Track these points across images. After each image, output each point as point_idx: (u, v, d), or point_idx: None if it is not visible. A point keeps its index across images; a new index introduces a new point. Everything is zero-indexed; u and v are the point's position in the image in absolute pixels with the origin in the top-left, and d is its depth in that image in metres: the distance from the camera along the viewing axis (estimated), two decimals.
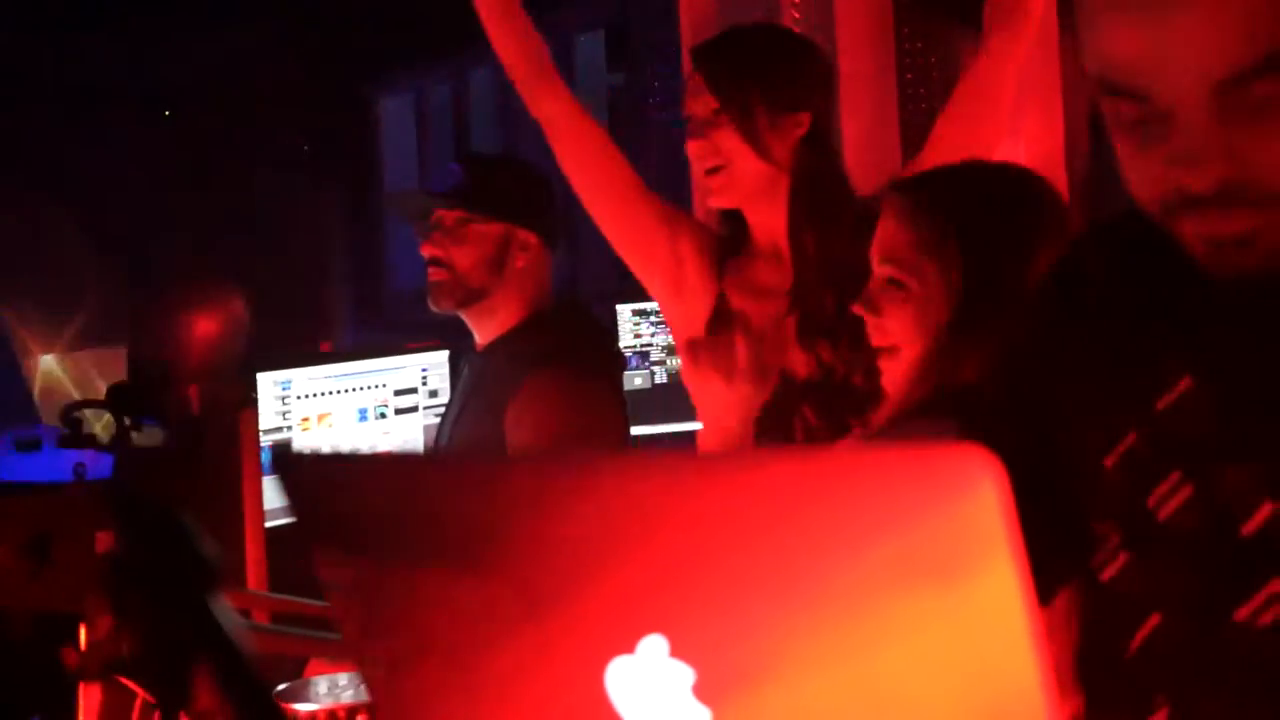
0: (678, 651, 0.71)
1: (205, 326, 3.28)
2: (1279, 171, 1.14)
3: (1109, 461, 1.32)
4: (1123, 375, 1.34)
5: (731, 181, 2.57)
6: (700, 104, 2.56)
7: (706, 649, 0.70)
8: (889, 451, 0.62)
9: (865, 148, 3.72)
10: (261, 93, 9.57)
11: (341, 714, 2.20)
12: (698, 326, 2.59)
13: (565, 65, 6.70)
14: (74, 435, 2.71)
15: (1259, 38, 1.10)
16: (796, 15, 4.53)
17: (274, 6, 7.93)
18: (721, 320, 2.57)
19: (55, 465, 2.56)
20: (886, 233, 2.00)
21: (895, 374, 2.01)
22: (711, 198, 2.59)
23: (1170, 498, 1.28)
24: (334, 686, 2.37)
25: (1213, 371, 1.28)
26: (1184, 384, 1.28)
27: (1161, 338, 1.32)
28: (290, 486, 0.80)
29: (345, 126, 8.68)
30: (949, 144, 2.59)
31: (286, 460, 0.78)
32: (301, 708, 2.16)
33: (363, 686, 2.29)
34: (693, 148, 2.57)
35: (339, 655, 2.30)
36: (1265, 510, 1.22)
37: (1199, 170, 1.15)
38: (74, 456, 2.56)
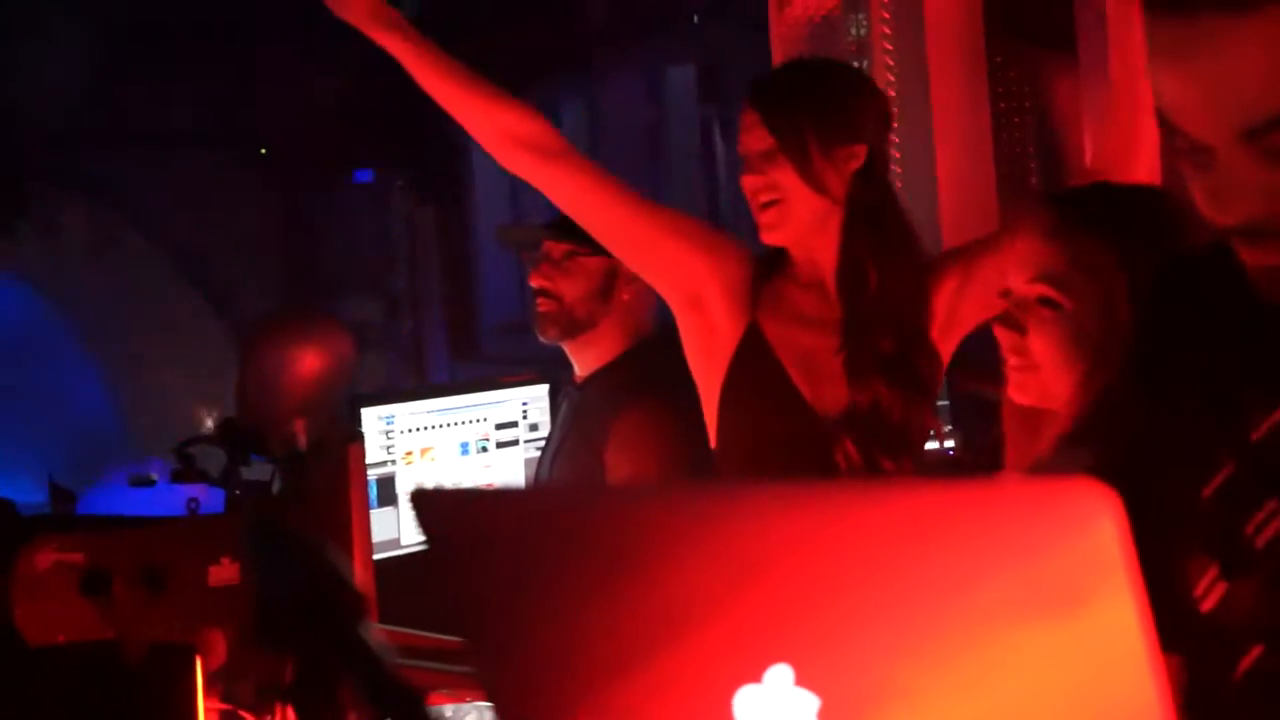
0: (803, 680, 0.73)
1: (311, 362, 3.33)
2: None
3: (1206, 492, 1.33)
4: (1217, 407, 1.35)
5: (786, 216, 2.54)
6: (755, 139, 2.54)
7: (832, 678, 0.73)
8: (1011, 485, 0.65)
9: (959, 177, 3.71)
10: (354, 130, 9.68)
11: None
12: (725, 349, 2.55)
13: (656, 97, 6.75)
14: (186, 470, 2.78)
15: (1276, 92, 1.17)
16: (888, 46, 4.55)
17: (366, 47, 8.05)
18: (754, 348, 2.54)
19: (168, 500, 2.62)
20: (1036, 250, 1.92)
21: (1034, 394, 1.94)
22: (767, 233, 2.55)
23: (1267, 525, 1.29)
24: (458, 712, 2.40)
25: None
26: (1278, 414, 1.30)
27: (1254, 369, 1.34)
28: (425, 521, 0.83)
29: (437, 162, 8.77)
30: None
31: (422, 496, 0.81)
32: None
33: (480, 717, 2.32)
34: (748, 183, 2.54)
35: (454, 686, 2.33)
36: None
37: (1227, 206, 1.22)
38: (186, 491, 2.62)
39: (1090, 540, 0.64)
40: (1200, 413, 1.37)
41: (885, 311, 2.53)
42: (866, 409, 2.50)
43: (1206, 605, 1.33)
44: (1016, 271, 1.94)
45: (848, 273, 2.55)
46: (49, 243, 10.01)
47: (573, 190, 2.58)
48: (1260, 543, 1.29)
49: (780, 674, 0.74)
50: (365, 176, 10.53)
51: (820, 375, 2.52)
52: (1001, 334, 1.95)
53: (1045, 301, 1.90)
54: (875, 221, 2.57)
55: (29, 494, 3.64)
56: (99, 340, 9.99)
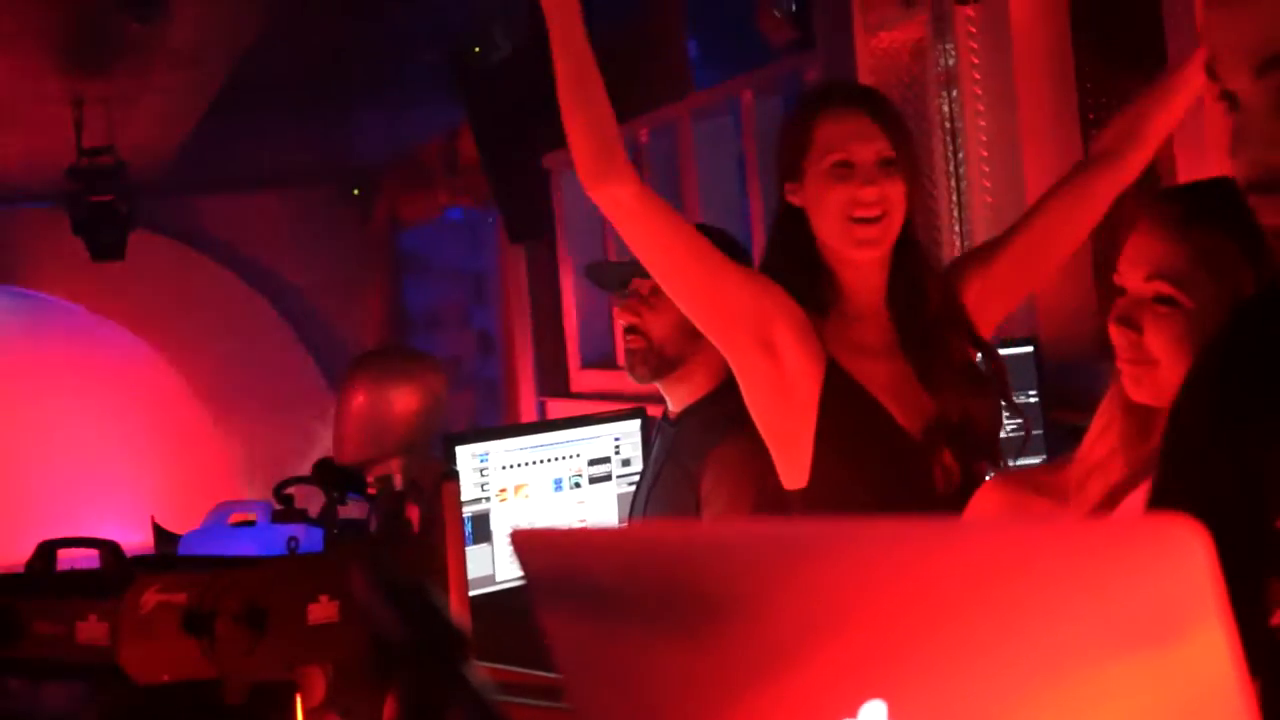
0: (897, 716, 0.74)
1: (407, 402, 3.38)
2: None
3: (1278, 523, 1.33)
4: None
5: (888, 232, 2.53)
6: (872, 149, 2.51)
7: (926, 713, 0.73)
8: (1101, 523, 0.65)
9: None
10: (445, 168, 9.79)
11: None
12: (803, 390, 2.52)
13: (746, 129, 6.76)
14: (286, 510, 2.82)
15: None
16: (977, 76, 4.53)
17: (452, 86, 8.13)
18: (841, 383, 2.51)
19: (268, 540, 2.66)
20: (1152, 247, 1.89)
21: (1150, 391, 1.90)
22: (870, 247, 2.52)
23: None
24: None
25: None
26: None
27: None
28: (524, 560, 0.85)
29: (527, 199, 8.84)
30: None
31: (520, 536, 0.83)
32: None
33: None
34: (865, 194, 2.49)
35: None
36: None
37: (1241, 151, 1.27)
38: (286, 530, 2.66)
39: (1182, 577, 0.64)
40: (1271, 441, 1.36)
41: (947, 323, 2.55)
42: (957, 421, 2.51)
43: None
44: (1130, 269, 1.91)
45: (908, 293, 2.56)
46: (147, 287, 10.19)
47: (646, 238, 2.52)
48: None
49: (875, 710, 0.74)
50: (456, 214, 10.64)
51: (903, 400, 2.53)
52: (1116, 332, 1.92)
53: (1163, 299, 1.87)
54: (915, 238, 2.59)
55: (132, 534, 3.71)
56: (198, 381, 10.14)
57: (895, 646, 0.72)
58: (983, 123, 4.54)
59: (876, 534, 0.74)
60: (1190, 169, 3.64)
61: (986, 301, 2.63)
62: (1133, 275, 1.91)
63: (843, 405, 2.51)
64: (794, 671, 0.76)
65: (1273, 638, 1.34)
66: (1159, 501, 1.52)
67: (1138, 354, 1.90)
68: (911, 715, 0.74)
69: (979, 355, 2.62)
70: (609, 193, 2.46)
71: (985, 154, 4.36)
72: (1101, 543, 0.66)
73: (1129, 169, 2.67)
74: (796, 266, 2.57)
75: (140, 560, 2.27)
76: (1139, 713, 0.67)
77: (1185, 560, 0.64)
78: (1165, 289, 1.87)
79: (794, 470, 2.54)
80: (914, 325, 2.56)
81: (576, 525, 3.66)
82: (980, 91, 4.56)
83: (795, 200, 2.58)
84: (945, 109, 4.64)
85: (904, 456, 2.50)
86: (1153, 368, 1.89)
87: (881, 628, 0.73)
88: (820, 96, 2.63)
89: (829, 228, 2.53)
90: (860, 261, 2.55)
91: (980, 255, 2.69)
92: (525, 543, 0.82)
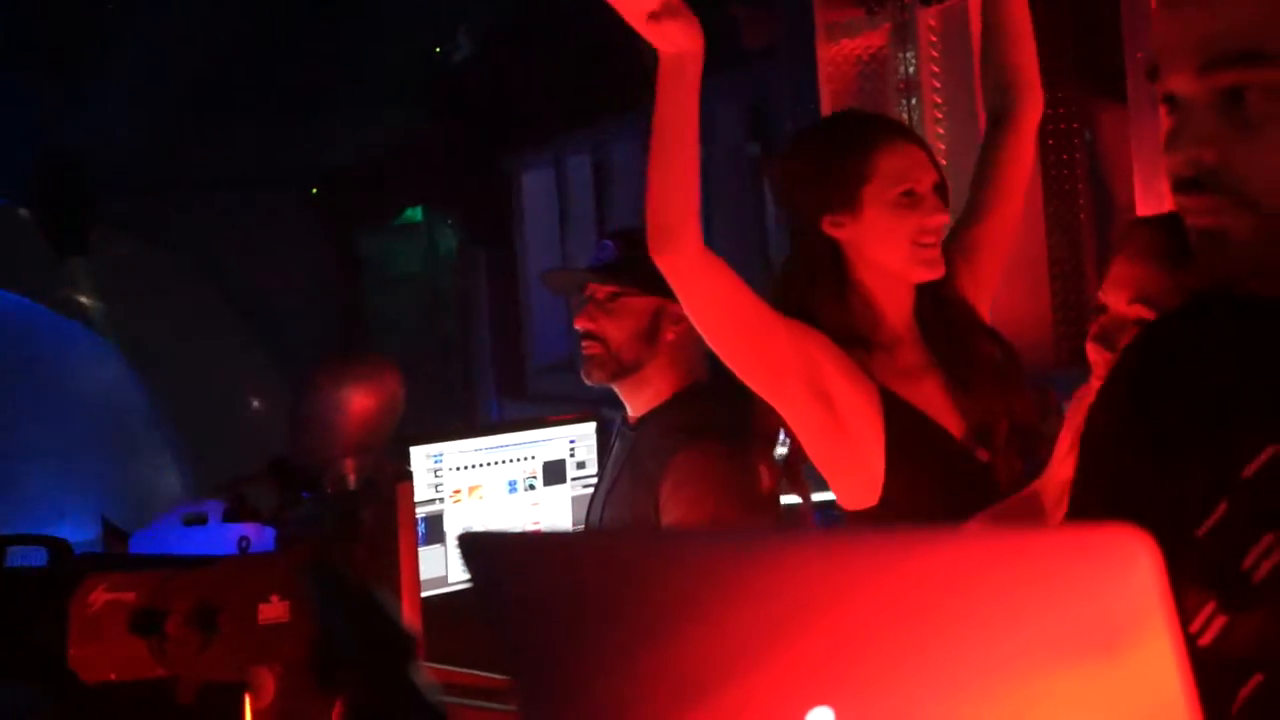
0: None
1: (363, 402, 3.36)
2: (1255, 178, 1.26)
3: (1200, 532, 1.36)
4: (1209, 448, 1.38)
5: (942, 255, 2.59)
6: (930, 180, 2.56)
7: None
8: (1050, 533, 0.66)
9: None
10: (404, 170, 9.76)
11: None
12: (873, 425, 2.49)
13: (705, 136, 6.77)
14: (238, 510, 2.80)
15: (1240, 33, 1.26)
16: (937, 84, 4.55)
17: (413, 88, 8.11)
18: (899, 411, 2.50)
19: (220, 539, 2.64)
20: (1136, 271, 1.94)
21: None
22: (935, 268, 2.56)
23: (1265, 560, 1.32)
24: None
25: None
26: (1269, 450, 1.34)
27: (1243, 408, 1.37)
28: (473, 565, 0.84)
29: (486, 202, 8.82)
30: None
31: (470, 540, 0.83)
32: None
33: None
34: (933, 221, 2.54)
35: None
36: None
37: (1175, 147, 1.29)
38: (238, 530, 2.64)
39: (1129, 586, 0.64)
40: (1193, 452, 1.40)
41: (970, 329, 2.59)
42: (1008, 421, 2.55)
43: (1205, 639, 1.34)
44: (1115, 290, 1.94)
45: (935, 309, 2.60)
46: (105, 284, 10.13)
47: (701, 304, 2.46)
48: (1258, 577, 1.32)
49: (822, 717, 0.74)
50: (417, 217, 10.61)
51: (953, 414, 2.55)
52: (1094, 349, 1.95)
53: (1143, 323, 1.89)
54: None
55: (82, 532, 3.68)
56: (153, 379, 10.08)
57: (844, 654, 0.72)
58: (941, 130, 4.56)
59: (829, 544, 0.74)
60: (1147, 182, 3.66)
61: (975, 283, 2.67)
62: (1117, 297, 1.94)
63: (907, 434, 2.50)
64: (743, 678, 0.75)
65: (1193, 645, 1.35)
66: (1077, 513, 1.54)
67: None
68: None
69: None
70: (668, 261, 2.40)
71: (944, 163, 4.38)
72: (1051, 552, 0.66)
73: (1028, 113, 2.73)
74: (835, 298, 2.57)
75: (90, 558, 2.25)
76: None
77: (1134, 570, 0.65)
78: (1147, 314, 1.91)
79: (857, 494, 2.54)
80: (945, 339, 2.59)
81: (528, 529, 3.65)
82: (940, 100, 4.58)
83: (838, 233, 2.57)
84: (905, 117, 4.66)
85: (970, 469, 2.53)
86: None
87: (831, 635, 0.73)
88: (868, 129, 2.63)
89: (895, 254, 2.55)
90: (909, 286, 2.58)
91: (953, 243, 2.70)
92: (474, 546, 0.82)
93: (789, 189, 2.66)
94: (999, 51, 2.74)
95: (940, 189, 2.57)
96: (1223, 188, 1.28)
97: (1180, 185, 1.31)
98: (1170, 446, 1.42)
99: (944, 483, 2.52)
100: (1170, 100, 1.31)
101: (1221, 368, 1.41)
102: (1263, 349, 1.38)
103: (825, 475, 2.57)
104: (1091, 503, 1.50)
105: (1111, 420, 1.50)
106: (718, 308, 2.45)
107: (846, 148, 2.58)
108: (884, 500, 2.51)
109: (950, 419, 2.55)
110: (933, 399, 2.55)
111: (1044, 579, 0.66)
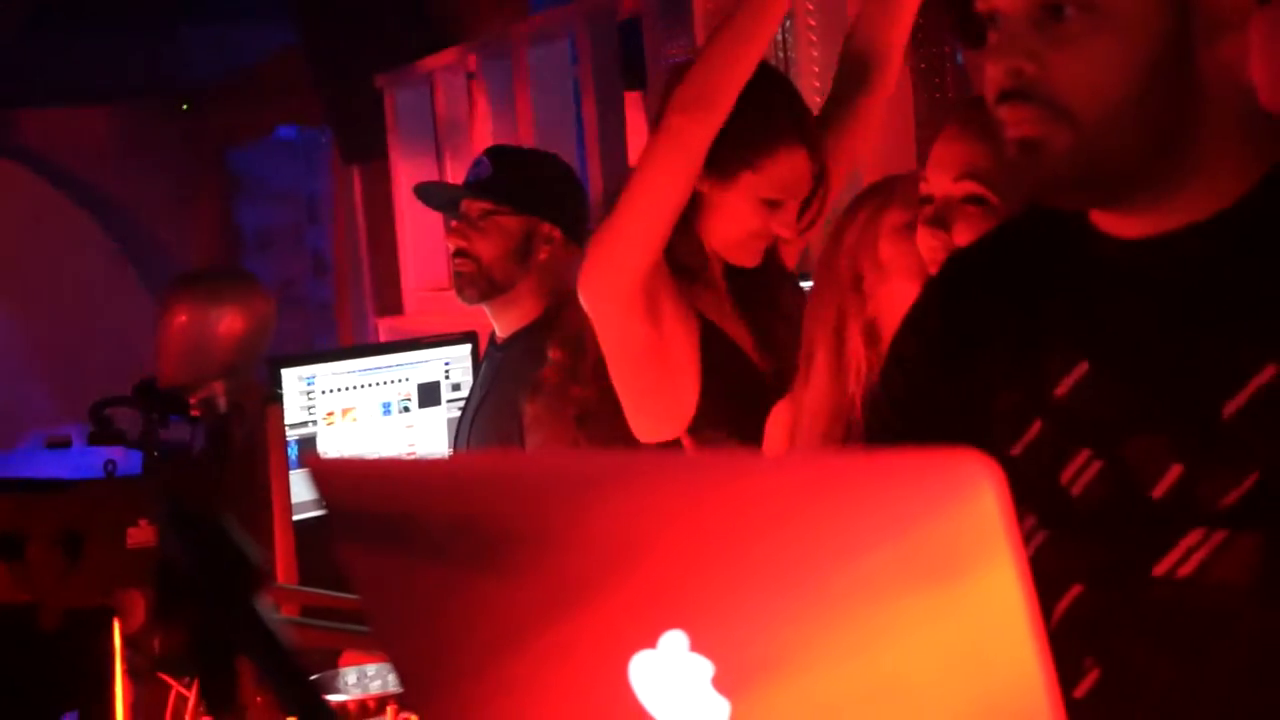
0: (698, 646, 0.74)
1: (231, 323, 3.32)
2: (1072, 90, 1.29)
3: (1016, 451, 1.39)
4: (1021, 367, 1.42)
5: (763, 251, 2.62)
6: (801, 192, 2.58)
7: (725, 643, 0.74)
8: (894, 456, 0.66)
9: (883, 157, 3.78)
10: (278, 86, 9.60)
11: (371, 704, 2.25)
12: (692, 352, 2.52)
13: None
14: (103, 432, 2.76)
15: None
16: (810, 7, 4.55)
17: (285, 1, 7.97)
18: (720, 349, 2.55)
19: (85, 462, 2.60)
20: (960, 149, 1.92)
21: None
22: (752, 260, 2.59)
23: (1081, 475, 1.36)
24: (363, 677, 2.41)
25: (1107, 351, 1.36)
26: (1081, 367, 1.37)
27: (1053, 325, 1.41)
28: (322, 489, 0.83)
29: (362, 119, 8.70)
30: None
31: (318, 465, 0.82)
32: (331, 698, 2.20)
33: (392, 677, 2.33)
34: (780, 231, 2.56)
35: (369, 647, 2.34)
36: (1174, 472, 1.30)
37: (1003, 61, 1.32)
38: (103, 453, 2.60)
39: (972, 510, 0.65)
40: (1003, 371, 1.43)
41: (780, 276, 2.62)
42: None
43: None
44: (938, 173, 1.94)
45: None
46: None
47: (611, 341, 2.51)
48: (1075, 492, 1.36)
49: (675, 640, 0.75)
50: (289, 133, 10.45)
51: (756, 358, 2.56)
52: (927, 234, 1.94)
53: (972, 199, 1.91)
54: None
55: None
56: (14, 299, 9.88)
57: (693, 578, 0.73)
58: (815, 53, 4.56)
59: (674, 465, 0.74)
60: None
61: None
62: (940, 179, 1.93)
63: (723, 364, 2.53)
64: (594, 603, 0.76)
65: None
66: (880, 434, 1.56)
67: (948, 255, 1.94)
68: (710, 645, 0.74)
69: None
70: (597, 308, 2.47)
71: (818, 85, 4.38)
72: (892, 475, 0.66)
73: (883, 87, 2.76)
74: (681, 229, 2.53)
75: None
76: (927, 647, 0.68)
77: (976, 495, 0.65)
78: (974, 188, 1.91)
79: (663, 423, 2.54)
80: (758, 285, 2.61)
81: (403, 452, 3.64)
82: (814, 23, 4.57)
83: (703, 186, 2.52)
84: (779, 38, 4.65)
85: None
86: None
87: (679, 559, 0.73)
88: (780, 123, 2.55)
89: (730, 235, 2.58)
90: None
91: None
92: (324, 473, 0.81)
93: None
94: (877, 27, 2.72)
95: (808, 201, 2.57)
96: (1041, 99, 1.31)
97: (1001, 96, 1.33)
98: (980, 366, 1.45)
99: (752, 418, 2.53)
100: (993, 17, 1.33)
101: (1030, 286, 1.44)
102: (1071, 265, 1.40)
103: (632, 402, 2.56)
104: (896, 424, 1.53)
105: (919, 341, 1.52)
106: (619, 348, 2.51)
107: (750, 131, 2.52)
108: (690, 432, 2.53)
109: (757, 361, 2.57)
110: (743, 341, 2.57)
111: (886, 501, 0.66)
